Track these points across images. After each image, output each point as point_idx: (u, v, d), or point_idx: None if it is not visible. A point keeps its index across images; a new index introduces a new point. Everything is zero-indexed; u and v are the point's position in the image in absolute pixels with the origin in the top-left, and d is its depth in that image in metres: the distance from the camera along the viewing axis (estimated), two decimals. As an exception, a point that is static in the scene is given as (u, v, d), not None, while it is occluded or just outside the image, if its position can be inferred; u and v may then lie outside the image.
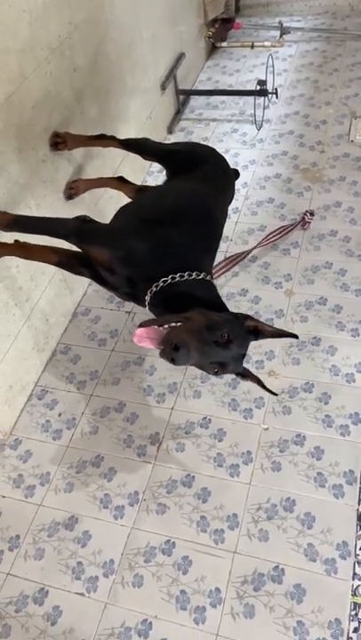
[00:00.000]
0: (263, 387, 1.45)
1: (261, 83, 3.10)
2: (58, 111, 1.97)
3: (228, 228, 2.07)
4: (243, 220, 2.61)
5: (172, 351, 1.16)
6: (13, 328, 1.89)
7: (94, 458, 1.83)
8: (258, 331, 1.37)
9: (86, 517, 1.70)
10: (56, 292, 2.13)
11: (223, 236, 1.73)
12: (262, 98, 3.14)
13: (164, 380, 2.01)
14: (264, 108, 3.18)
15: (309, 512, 1.62)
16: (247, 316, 1.37)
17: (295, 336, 1.38)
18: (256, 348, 2.05)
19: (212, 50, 3.96)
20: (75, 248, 1.58)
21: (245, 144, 3.07)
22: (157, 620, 1.49)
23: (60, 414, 1.97)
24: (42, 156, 1.91)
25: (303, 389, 1.91)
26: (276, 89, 3.20)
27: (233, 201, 2.68)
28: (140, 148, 1.99)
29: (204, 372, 1.35)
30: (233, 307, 2.19)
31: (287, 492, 1.67)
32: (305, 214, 2.48)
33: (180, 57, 3.25)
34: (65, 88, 2.00)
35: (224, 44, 3.93)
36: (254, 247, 2.35)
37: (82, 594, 1.56)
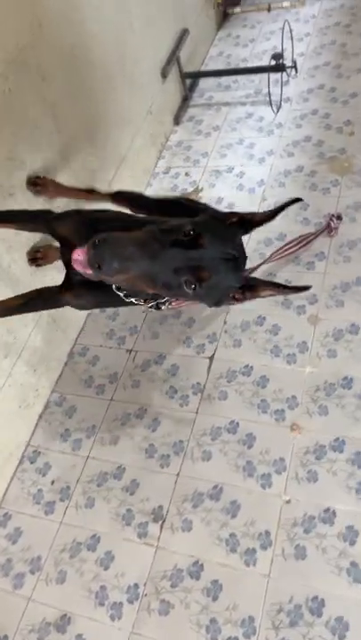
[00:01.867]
0: (284, 287, 1.09)
1: (277, 56, 2.66)
2: (25, 133, 1.67)
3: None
4: (259, 228, 2.25)
5: (93, 249, 0.88)
6: (-9, 392, 1.66)
7: (90, 538, 1.60)
8: (246, 221, 1.07)
9: (79, 617, 1.47)
10: (44, 337, 1.88)
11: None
12: (279, 73, 2.71)
13: (169, 437, 1.74)
14: (282, 86, 2.75)
15: (341, 617, 1.33)
16: (231, 213, 1.08)
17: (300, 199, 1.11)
18: (276, 394, 1.74)
19: (224, 18, 3.50)
20: None
21: (262, 131, 2.67)
22: None
23: (52, 482, 1.74)
24: (8, 190, 1.63)
25: (332, 448, 1.60)
26: (295, 61, 2.76)
27: (248, 204, 2.37)
28: (133, 202, 1.68)
29: (176, 296, 1.05)
30: (249, 340, 1.89)
31: (314, 588, 1.39)
32: (330, 219, 2.10)
33: (183, 35, 2.84)
34: (32, 104, 1.70)
35: (237, 9, 3.47)
36: (267, 259, 1.99)
37: None
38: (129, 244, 0.90)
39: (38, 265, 1.79)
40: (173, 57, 2.73)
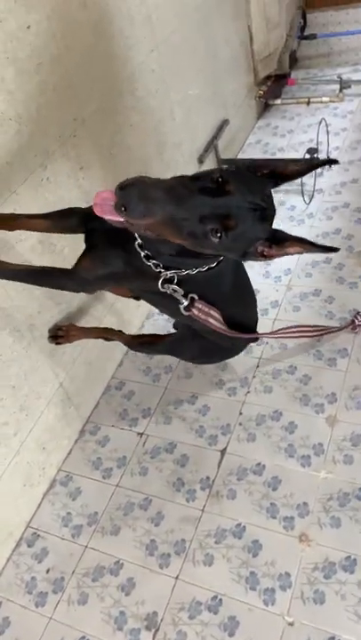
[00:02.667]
0: (312, 244, 1.07)
1: (312, 151, 2.75)
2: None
3: (262, 326, 1.79)
4: (282, 317, 2.24)
5: (120, 191, 0.88)
6: (-4, 470, 1.64)
7: (78, 640, 1.51)
8: (278, 174, 1.04)
9: None
10: (57, 415, 1.87)
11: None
12: (313, 167, 2.78)
13: (172, 534, 1.67)
14: (315, 178, 2.82)
15: None
16: (259, 165, 1.05)
17: (336, 162, 1.09)
18: (286, 498, 1.66)
19: (265, 108, 3.67)
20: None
21: (293, 220, 2.72)
22: None
23: (48, 570, 1.67)
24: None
25: (343, 567, 1.50)
26: (328, 156, 2.83)
27: (274, 291, 2.38)
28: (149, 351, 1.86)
29: (202, 246, 1.02)
30: (263, 435, 1.83)
31: None
32: (355, 316, 2.08)
33: (223, 124, 2.98)
34: (68, 191, 1.77)
35: (277, 101, 3.63)
36: (280, 331, 1.95)
37: None
38: (157, 188, 0.90)
39: (58, 343, 1.81)
40: (211, 144, 2.85)
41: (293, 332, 1.97)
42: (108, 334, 1.94)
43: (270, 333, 1.97)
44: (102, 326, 1.99)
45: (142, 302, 2.27)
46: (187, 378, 2.12)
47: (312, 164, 1.09)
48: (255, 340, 1.78)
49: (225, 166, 1.06)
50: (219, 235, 0.97)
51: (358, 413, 1.83)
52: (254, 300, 1.68)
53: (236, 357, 1.86)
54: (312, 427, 1.83)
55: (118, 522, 1.73)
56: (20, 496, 1.75)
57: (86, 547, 1.70)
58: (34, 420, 1.76)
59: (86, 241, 1.36)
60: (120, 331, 1.96)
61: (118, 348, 2.21)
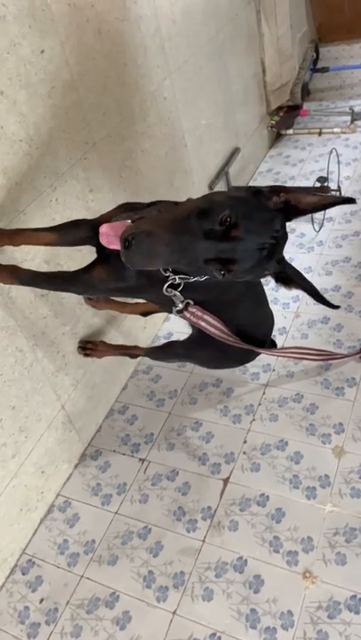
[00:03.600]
0: (318, 296, 1.13)
1: (322, 179, 2.76)
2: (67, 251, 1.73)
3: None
4: (290, 344, 2.21)
5: (124, 246, 0.86)
6: (-7, 493, 1.60)
7: None
8: (291, 206, 0.99)
9: None
10: (57, 438, 1.84)
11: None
12: (324, 195, 2.79)
13: (171, 566, 1.61)
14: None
15: None
16: (276, 188, 0.99)
17: (353, 201, 1.00)
18: (290, 532, 1.60)
19: (277, 137, 3.71)
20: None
21: (302, 247, 2.71)
22: None
23: (41, 600, 1.62)
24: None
25: (348, 607, 1.43)
26: (339, 186, 2.84)
27: (282, 318, 2.35)
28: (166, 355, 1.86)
29: (206, 275, 1.05)
30: (268, 465, 1.78)
31: None
32: (364, 345, 2.04)
33: (235, 152, 3.01)
34: (76, 213, 1.78)
35: (290, 131, 3.67)
36: (284, 350, 1.92)
37: None
38: (159, 243, 0.88)
39: (87, 355, 1.88)
40: (222, 172, 2.87)
41: (295, 353, 1.93)
42: (133, 351, 2.01)
43: (271, 350, 1.84)
44: (129, 344, 2.07)
45: (148, 324, 2.27)
46: (191, 404, 2.08)
47: (328, 201, 1.03)
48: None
49: (239, 195, 1.03)
50: (220, 270, 0.98)
51: (366, 445, 1.78)
52: (269, 315, 1.67)
53: (241, 384, 1.83)
54: (318, 457, 1.78)
55: (116, 551, 1.68)
56: (16, 521, 1.71)
57: (82, 576, 1.65)
58: (33, 442, 1.73)
59: (98, 251, 1.35)
60: (138, 346, 2.06)
61: (123, 371, 2.19)
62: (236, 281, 1.27)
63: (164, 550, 1.65)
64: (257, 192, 1.01)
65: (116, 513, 1.79)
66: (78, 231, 1.42)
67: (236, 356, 1.74)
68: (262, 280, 1.47)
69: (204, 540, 1.65)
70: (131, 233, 0.87)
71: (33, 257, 1.60)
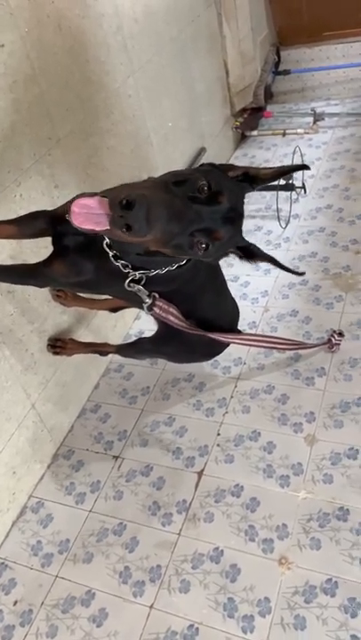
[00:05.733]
0: (280, 266, 1.14)
1: (287, 177, 2.80)
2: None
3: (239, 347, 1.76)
4: (275, 304, 2.23)
5: (123, 210, 0.80)
6: None
7: None
8: (251, 177, 1.03)
9: None
10: (28, 438, 1.81)
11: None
12: (288, 192, 2.84)
13: (147, 560, 1.60)
14: (291, 203, 2.87)
15: None
16: (231, 166, 1.03)
17: (307, 167, 1.10)
18: (265, 520, 1.61)
19: (242, 139, 3.76)
20: None
21: (270, 244, 2.74)
22: None
23: (15, 602, 1.58)
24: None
25: (324, 590, 1.44)
26: (303, 183, 2.89)
27: (251, 313, 2.37)
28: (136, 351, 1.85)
29: (184, 255, 1.02)
30: (241, 456, 1.79)
31: None
32: (332, 335, 2.07)
33: (200, 152, 3.03)
34: (42, 208, 1.75)
35: (254, 132, 3.72)
36: (250, 338, 1.89)
37: None
38: (159, 206, 0.85)
39: (56, 353, 1.85)
40: (189, 171, 2.89)
41: (265, 342, 1.93)
42: (103, 348, 1.99)
43: (238, 337, 1.74)
44: (99, 341, 2.04)
45: (119, 322, 2.26)
46: (164, 399, 2.07)
47: (283, 169, 1.09)
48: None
49: (205, 168, 1.04)
50: (202, 244, 0.97)
51: (337, 432, 1.80)
52: (232, 305, 1.67)
53: (213, 378, 1.83)
54: (291, 446, 1.79)
55: (91, 549, 1.66)
56: (-13, 523, 1.67)
57: (57, 576, 1.62)
58: (3, 442, 1.70)
59: (54, 244, 1.34)
60: (108, 343, 2.03)
61: (94, 369, 2.17)
62: (199, 268, 1.28)
63: (139, 545, 1.64)
64: (214, 166, 1.03)
65: (90, 511, 1.76)
66: (37, 222, 1.40)
67: (205, 349, 1.75)
68: (222, 269, 1.49)
69: (179, 533, 1.64)
70: (127, 195, 0.81)
71: (-2, 252, 1.58)
